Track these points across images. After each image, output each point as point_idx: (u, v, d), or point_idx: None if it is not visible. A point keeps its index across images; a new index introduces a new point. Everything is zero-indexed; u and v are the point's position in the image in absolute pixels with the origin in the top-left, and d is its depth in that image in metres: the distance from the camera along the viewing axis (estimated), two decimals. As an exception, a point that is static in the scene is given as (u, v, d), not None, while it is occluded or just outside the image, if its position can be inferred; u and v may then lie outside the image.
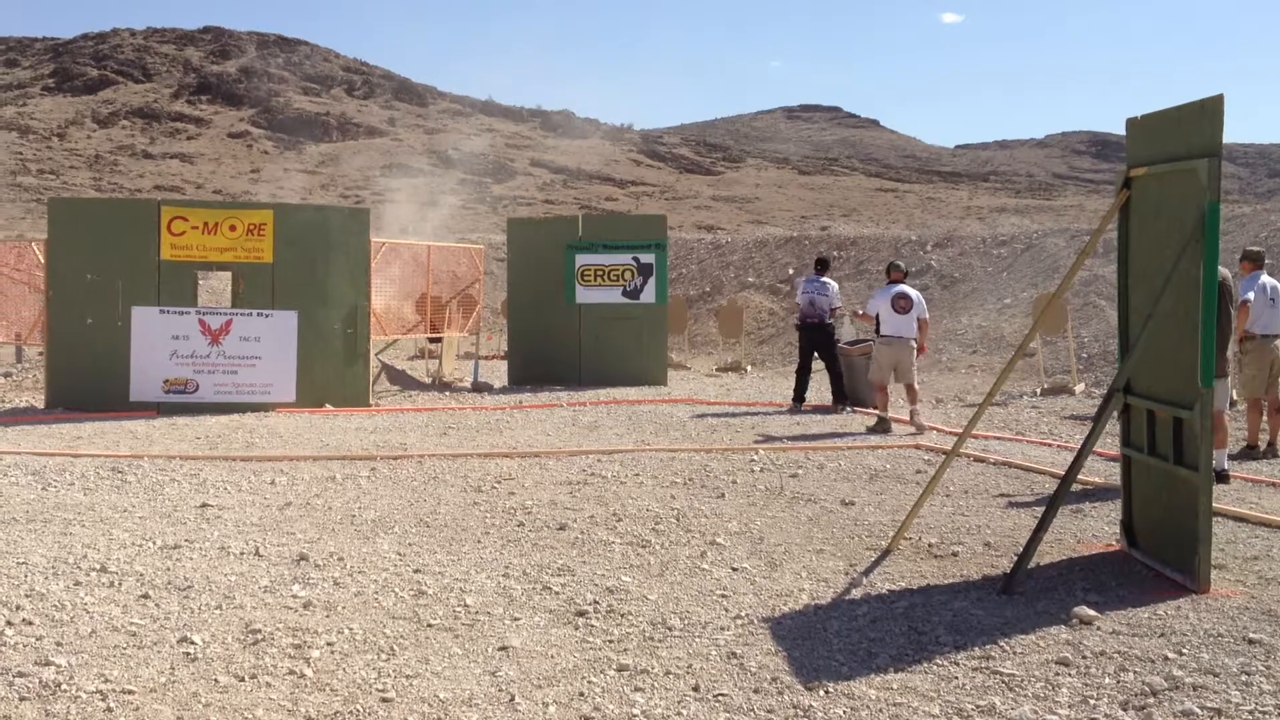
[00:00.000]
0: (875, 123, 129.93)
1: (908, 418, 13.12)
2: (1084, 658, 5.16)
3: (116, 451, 11.03)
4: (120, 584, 6.31)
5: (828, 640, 5.47)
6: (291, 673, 4.97)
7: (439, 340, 19.22)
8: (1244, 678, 4.86)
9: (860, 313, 14.36)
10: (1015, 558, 6.62)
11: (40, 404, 14.55)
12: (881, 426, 13.04)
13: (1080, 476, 7.87)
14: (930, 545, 7.34)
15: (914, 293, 13.45)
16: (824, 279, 15.25)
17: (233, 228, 14.29)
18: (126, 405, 13.93)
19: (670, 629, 5.64)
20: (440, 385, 18.05)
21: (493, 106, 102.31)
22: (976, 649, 5.29)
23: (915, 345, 13.31)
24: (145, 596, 6.06)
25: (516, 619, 5.79)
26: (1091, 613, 5.72)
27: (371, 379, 16.11)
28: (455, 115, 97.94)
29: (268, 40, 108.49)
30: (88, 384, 13.98)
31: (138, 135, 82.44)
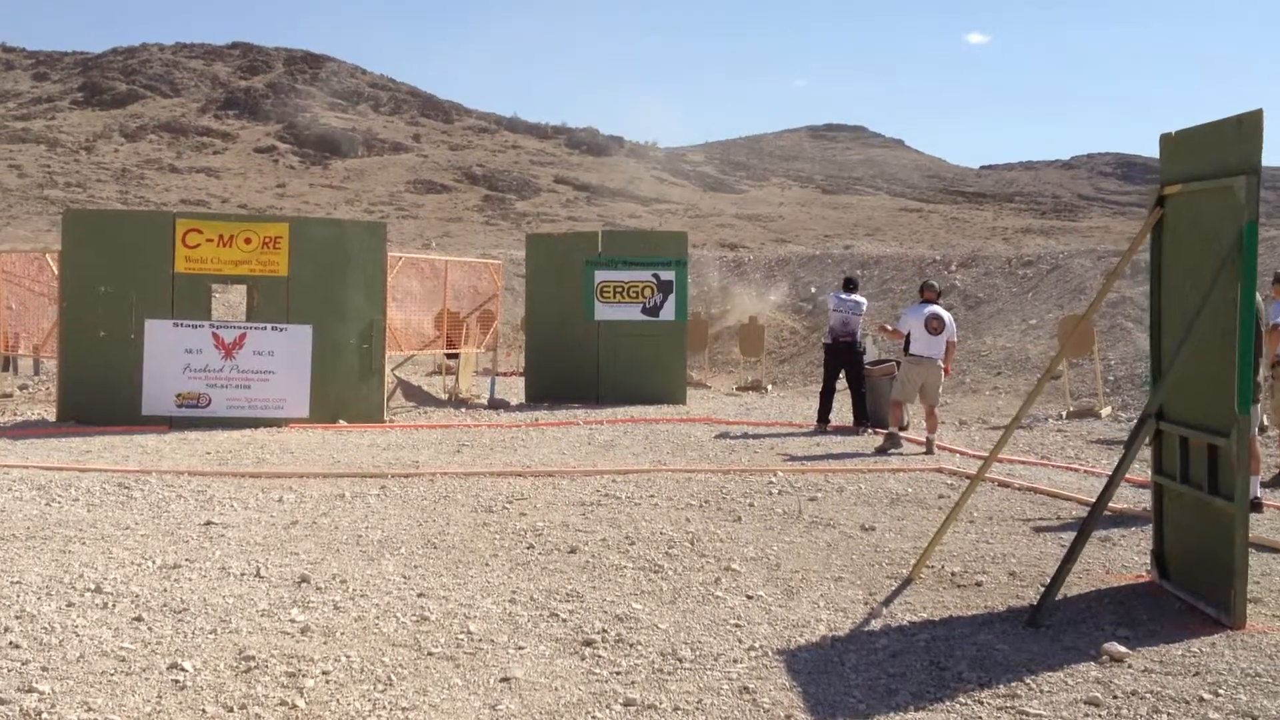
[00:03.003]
0: (900, 143, 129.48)
1: (922, 439, 12.90)
2: (1114, 698, 4.91)
3: (124, 466, 10.87)
4: (114, 605, 6.11)
5: (845, 675, 5.23)
6: (283, 703, 4.76)
7: (456, 356, 19.05)
8: (1286, 723, 4.60)
9: (891, 329, 14.10)
10: (1042, 589, 6.36)
11: (52, 417, 14.41)
12: (892, 442, 12.81)
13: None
14: (953, 574, 7.08)
15: (946, 314, 13.23)
16: (856, 297, 15.03)
17: (248, 241, 14.15)
18: (139, 419, 13.78)
19: (681, 660, 5.41)
20: (456, 402, 17.87)
21: (518, 123, 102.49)
22: (1001, 686, 5.04)
23: (942, 366, 13.08)
24: (138, 619, 5.87)
25: (521, 648, 5.57)
26: (1122, 649, 5.46)
27: (387, 395, 15.93)
28: (480, 131, 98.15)
29: (295, 56, 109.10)
30: (100, 397, 13.84)
31: (165, 149, 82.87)
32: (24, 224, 52.63)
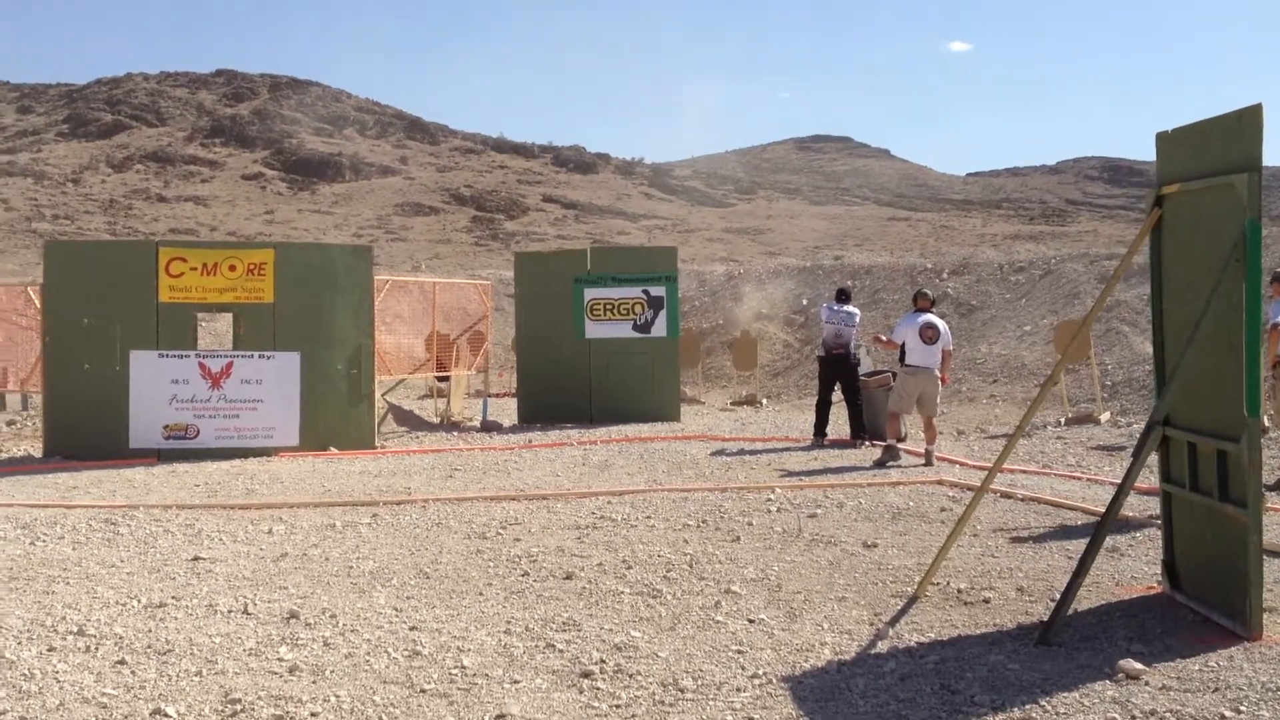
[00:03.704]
0: (886, 152, 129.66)
1: (921, 450, 12.74)
2: (1133, 718, 4.73)
3: (111, 502, 10.66)
4: (97, 648, 5.91)
5: (853, 701, 5.05)
6: (269, 749, 4.57)
7: (447, 379, 18.86)
8: (1313, 740, 4.42)
9: (885, 339, 13.95)
10: (1051, 604, 6.20)
11: (39, 453, 14.20)
12: (890, 455, 12.65)
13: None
14: (959, 591, 6.90)
15: (941, 323, 13.06)
16: (849, 308, 14.86)
17: (232, 268, 13.96)
18: (126, 452, 13.57)
19: (682, 691, 5.23)
20: (448, 425, 17.67)
21: (504, 143, 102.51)
22: (1016, 710, 4.86)
23: (939, 376, 12.92)
24: (121, 662, 5.67)
25: (516, 681, 5.38)
26: (1138, 665, 5.29)
27: (377, 420, 15.73)
28: (467, 153, 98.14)
29: (280, 82, 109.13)
30: (86, 431, 13.63)
31: (152, 179, 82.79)
32: (12, 257, 52.41)
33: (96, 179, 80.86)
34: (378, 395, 15.92)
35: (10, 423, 18.70)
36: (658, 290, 17.75)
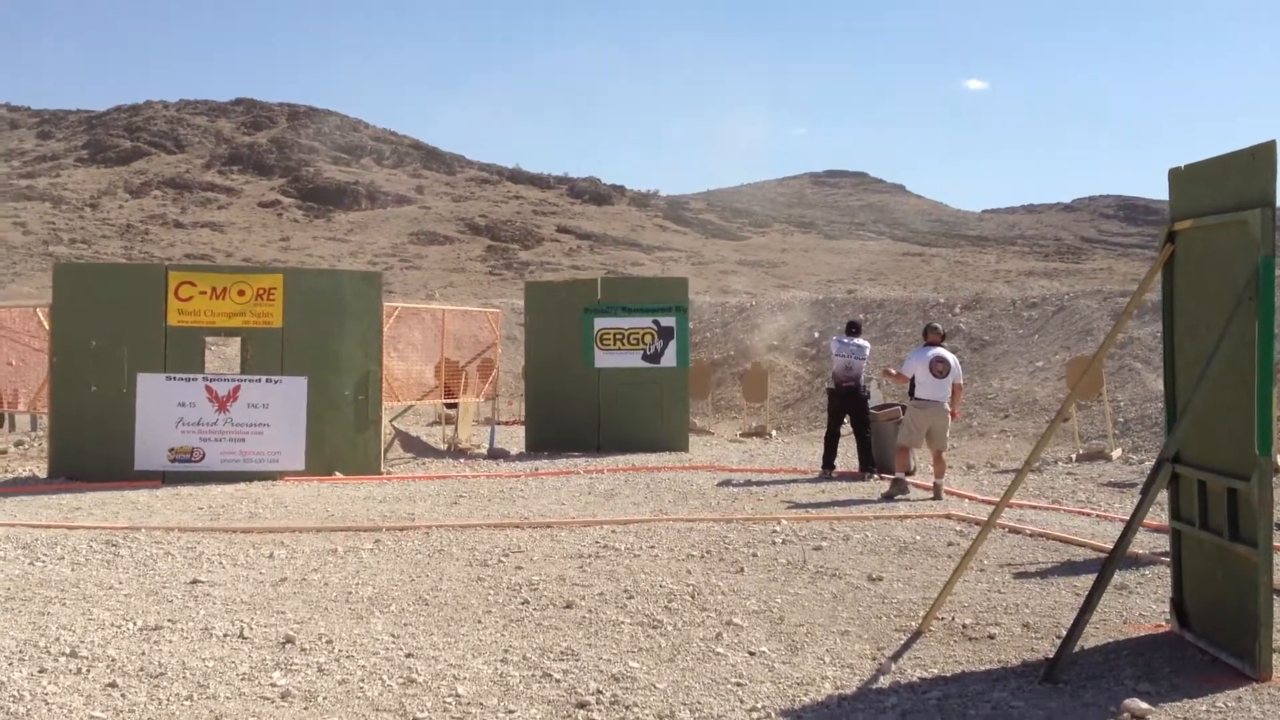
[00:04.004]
0: (901, 188, 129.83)
1: (930, 484, 12.63)
2: (1139, 759, 4.63)
3: (113, 523, 10.61)
4: (89, 671, 5.85)
5: (852, 737, 4.95)
6: (256, 776, 4.49)
7: (456, 406, 18.81)
8: (1323, 785, 4.31)
9: (895, 372, 13.86)
10: (1058, 641, 6.09)
11: (44, 473, 14.17)
12: (898, 488, 12.55)
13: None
14: (964, 626, 6.79)
15: (951, 357, 12.97)
16: (859, 341, 14.79)
17: (241, 292, 13.96)
18: (131, 474, 13.54)
19: (679, 723, 5.13)
20: (456, 452, 17.61)
21: (520, 174, 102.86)
22: (1018, 748, 4.76)
23: (949, 410, 12.82)
24: (112, 685, 5.60)
25: (511, 711, 5.30)
26: (1144, 705, 5.18)
27: (384, 446, 15.68)
28: (483, 183, 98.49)
29: (298, 111, 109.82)
30: (92, 453, 13.60)
31: (169, 205, 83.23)
32: (28, 280, 52.67)
33: (114, 204, 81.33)
34: (385, 421, 15.87)
35: (18, 443, 18.70)
36: (668, 320, 17.70)
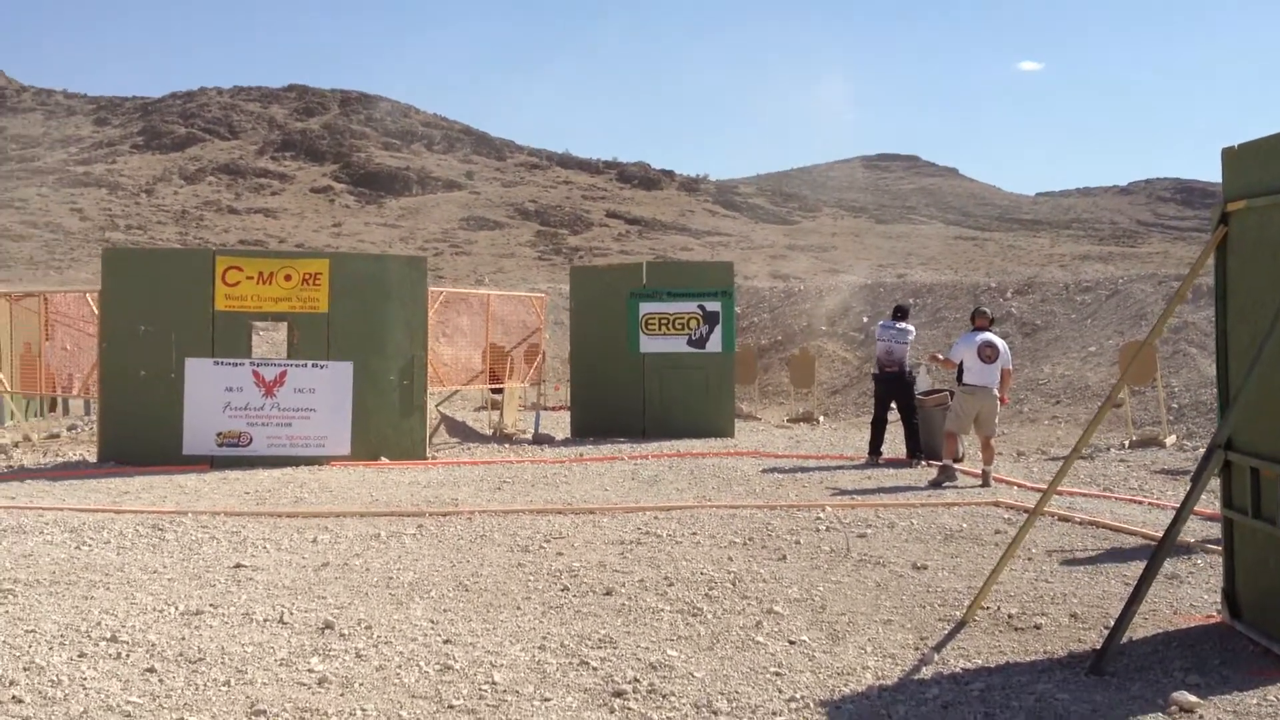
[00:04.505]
0: (954, 171, 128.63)
1: (978, 471, 12.46)
2: (1187, 754, 4.51)
3: (160, 508, 10.69)
4: (128, 655, 5.87)
5: (892, 729, 4.87)
6: (289, 762, 4.48)
7: (501, 391, 18.83)
8: (1379, 784, 4.17)
9: (942, 358, 13.69)
10: (1105, 632, 5.96)
11: (94, 458, 14.33)
12: (946, 475, 12.38)
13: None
14: (1010, 616, 6.67)
15: (1000, 341, 12.77)
16: (902, 325, 14.62)
17: (288, 277, 14.02)
18: (180, 459, 13.66)
19: (716, 713, 5.07)
20: (501, 437, 17.62)
21: (569, 159, 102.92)
22: (1062, 742, 4.65)
23: (998, 396, 12.64)
24: (151, 670, 5.62)
25: (547, 699, 5.25)
26: (1192, 698, 5.05)
27: (430, 431, 15.71)
28: (532, 168, 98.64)
29: (350, 97, 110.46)
30: (140, 437, 13.73)
31: (223, 191, 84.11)
32: (85, 266, 53.36)
33: (169, 190, 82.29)
34: (431, 406, 15.91)
35: (71, 427, 18.94)
36: (713, 305, 17.59)
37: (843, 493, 11.76)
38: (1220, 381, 6.58)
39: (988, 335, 12.69)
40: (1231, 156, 6.40)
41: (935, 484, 12.30)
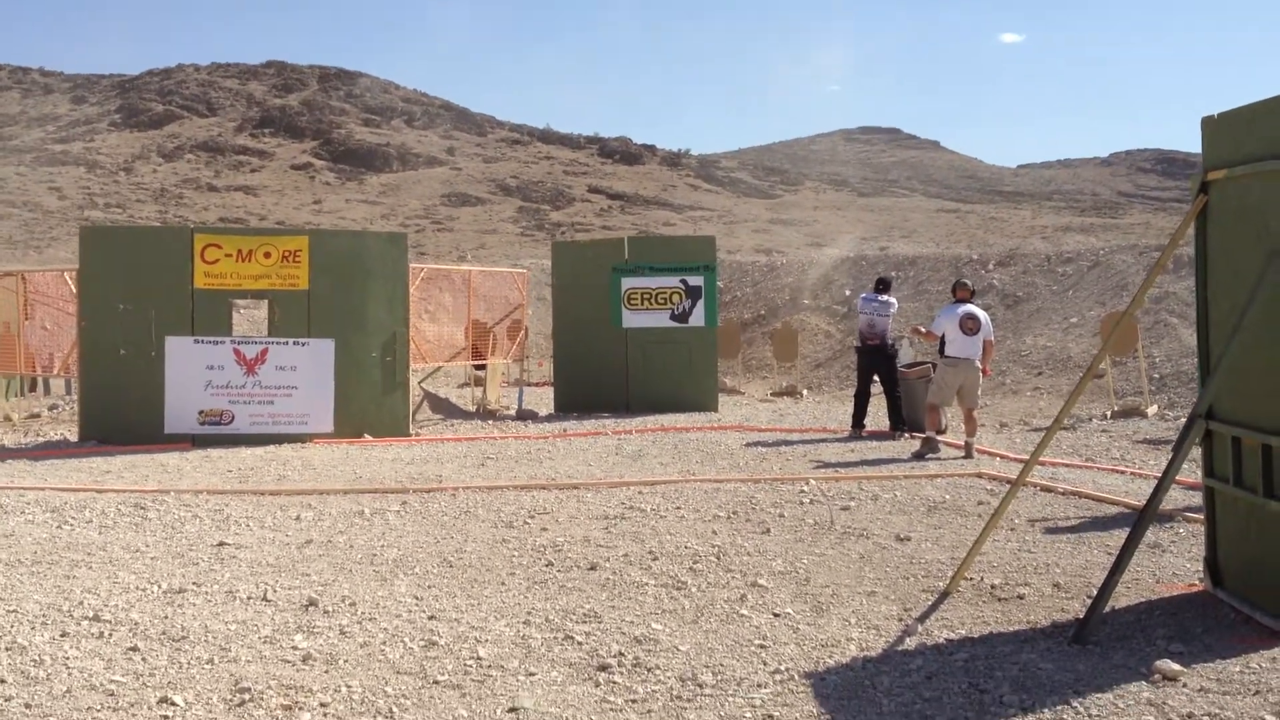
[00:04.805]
0: (935, 144, 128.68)
1: (961, 442, 12.51)
2: (1169, 721, 4.53)
3: (142, 486, 10.65)
4: (111, 634, 5.84)
5: (877, 700, 4.88)
6: (274, 739, 4.47)
7: (484, 367, 18.79)
8: (1359, 748, 4.20)
9: (924, 330, 13.71)
10: (1088, 601, 5.99)
11: (75, 437, 14.26)
12: (929, 447, 12.42)
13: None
14: (993, 586, 6.70)
15: (982, 313, 12.80)
16: (885, 298, 14.63)
17: (267, 254, 13.94)
18: (161, 437, 13.59)
19: (701, 686, 5.07)
20: (484, 413, 17.61)
21: (551, 134, 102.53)
22: (1046, 711, 4.67)
23: (980, 367, 12.67)
24: (134, 649, 5.59)
25: (532, 674, 5.25)
26: (1175, 666, 5.07)
27: (413, 408, 15.67)
28: (513, 143, 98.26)
29: (329, 73, 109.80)
30: (121, 416, 13.65)
31: (202, 169, 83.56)
32: (65, 245, 52.96)
33: (148, 168, 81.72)
34: (414, 383, 15.86)
35: (52, 407, 18.84)
36: (695, 280, 17.56)
37: (826, 465, 11.79)
38: (1201, 351, 6.60)
39: (969, 307, 12.71)
40: (1211, 126, 6.40)
41: (919, 455, 12.34)
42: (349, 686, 5.08)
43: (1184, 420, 13.24)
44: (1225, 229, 6.26)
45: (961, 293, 13.00)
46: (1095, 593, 5.87)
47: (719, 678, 5.18)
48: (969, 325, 12.54)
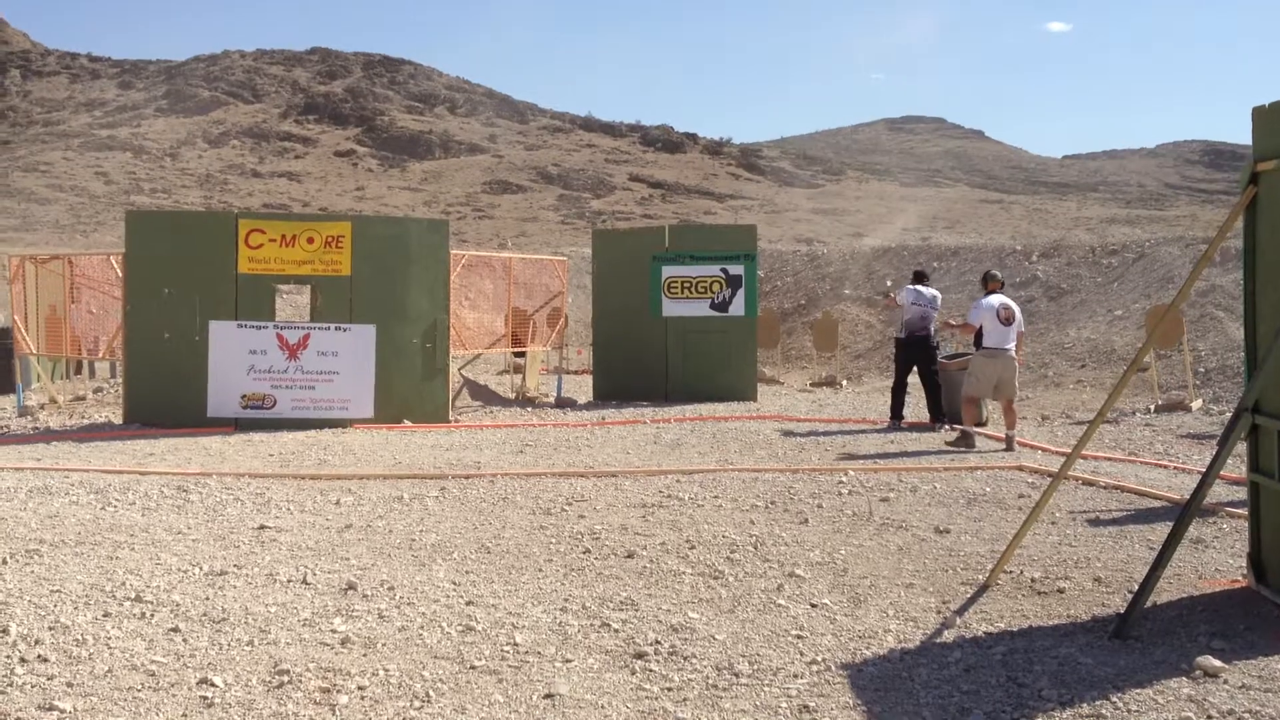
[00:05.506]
0: (980, 134, 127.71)
1: (1001, 435, 12.41)
2: (1209, 718, 4.48)
3: (184, 469, 10.77)
4: (152, 615, 5.91)
5: (914, 692, 4.85)
6: (312, 721, 4.50)
7: (524, 355, 18.84)
8: (1404, 749, 4.14)
9: (957, 324, 13.62)
10: (1129, 596, 5.93)
11: (119, 420, 14.42)
12: (966, 441, 12.33)
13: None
14: (1033, 580, 6.64)
15: (1013, 303, 12.74)
16: (931, 291, 14.56)
17: (310, 240, 14.04)
18: (204, 421, 13.74)
19: (737, 675, 5.07)
20: (523, 400, 17.65)
21: (592, 122, 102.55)
22: (1085, 706, 4.63)
23: (1017, 359, 12.58)
24: (175, 630, 5.65)
25: (569, 660, 5.27)
26: (1217, 663, 5.02)
27: (452, 394, 15.75)
28: (555, 131, 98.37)
29: (373, 60, 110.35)
30: (165, 399, 13.82)
31: (247, 155, 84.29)
32: (111, 230, 53.53)
33: (193, 154, 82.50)
34: (453, 369, 15.93)
35: (97, 390, 19.07)
36: (736, 269, 17.52)
37: (865, 456, 11.73)
38: (1248, 344, 6.51)
39: (1003, 298, 12.67)
40: (1262, 115, 6.30)
41: (954, 445, 12.26)
42: (386, 670, 5.11)
43: (1229, 415, 13.08)
44: (1275, 221, 6.17)
45: (993, 285, 12.92)
46: (1136, 587, 5.81)
47: (755, 667, 5.17)
48: (1005, 315, 12.47)
